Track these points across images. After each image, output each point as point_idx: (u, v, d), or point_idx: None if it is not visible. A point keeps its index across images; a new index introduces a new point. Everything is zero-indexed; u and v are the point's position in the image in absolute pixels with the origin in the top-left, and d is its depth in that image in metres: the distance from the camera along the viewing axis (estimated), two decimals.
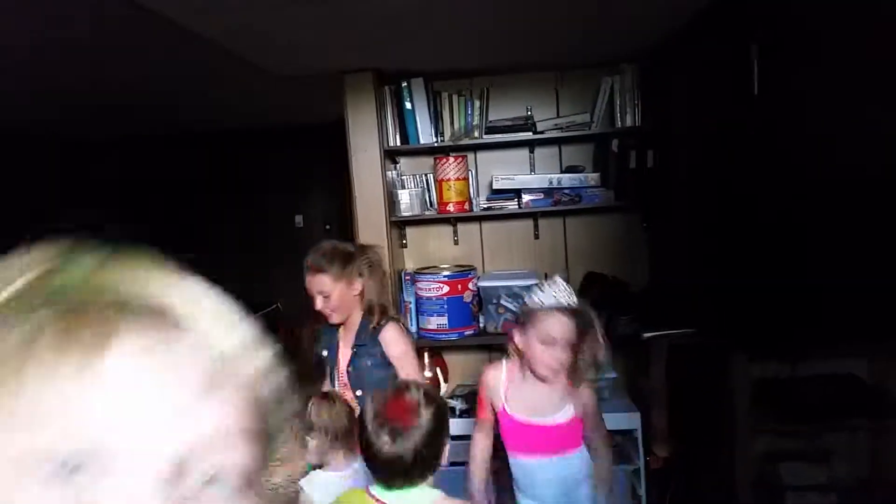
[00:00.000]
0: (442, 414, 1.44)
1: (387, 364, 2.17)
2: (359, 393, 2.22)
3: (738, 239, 2.81)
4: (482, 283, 3.15)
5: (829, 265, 2.49)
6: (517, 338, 1.85)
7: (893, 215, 2.47)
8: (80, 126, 5.19)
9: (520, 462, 1.87)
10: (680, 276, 2.99)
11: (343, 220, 6.40)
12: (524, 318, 1.82)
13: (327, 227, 6.27)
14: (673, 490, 2.79)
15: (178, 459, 0.34)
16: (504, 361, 1.91)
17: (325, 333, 2.38)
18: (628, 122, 3.12)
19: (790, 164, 2.83)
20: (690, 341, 2.70)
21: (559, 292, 1.78)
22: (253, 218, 6.35)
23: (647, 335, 2.79)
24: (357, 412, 1.94)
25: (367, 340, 2.20)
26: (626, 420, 2.93)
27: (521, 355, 1.85)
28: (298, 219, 6.36)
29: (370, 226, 3.17)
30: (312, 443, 1.90)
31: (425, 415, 1.38)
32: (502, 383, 1.88)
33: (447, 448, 1.46)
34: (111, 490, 0.31)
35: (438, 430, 1.40)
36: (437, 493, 1.40)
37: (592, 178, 3.18)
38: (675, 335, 2.72)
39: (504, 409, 1.86)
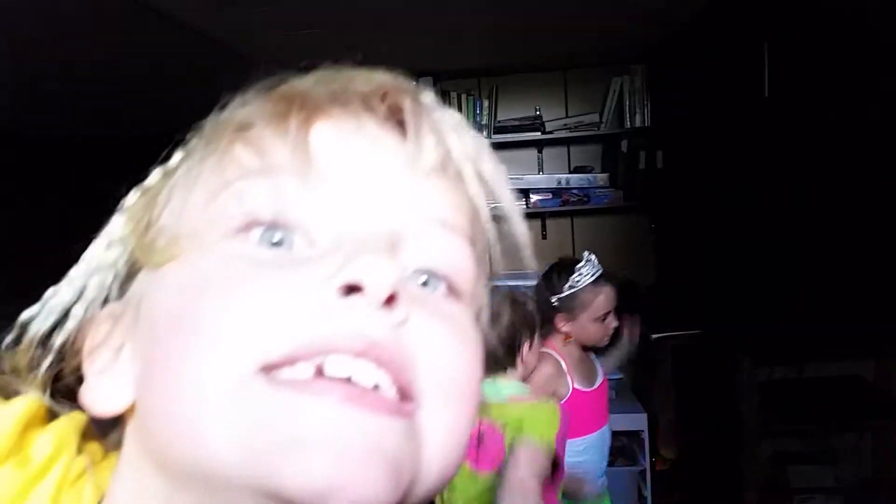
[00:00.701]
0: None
1: None
2: None
3: (745, 241, 2.81)
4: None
5: (836, 267, 2.48)
6: (565, 326, 1.82)
7: None
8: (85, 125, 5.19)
9: (594, 439, 1.90)
10: (687, 276, 2.99)
11: None
12: (569, 303, 1.81)
13: None
14: (679, 492, 2.80)
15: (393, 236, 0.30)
16: (550, 353, 1.84)
17: None
18: (637, 123, 3.12)
19: (800, 166, 2.82)
20: (697, 343, 2.70)
21: (594, 266, 1.82)
22: None
23: (654, 336, 2.79)
24: None
25: None
26: (632, 421, 2.93)
27: (566, 339, 1.85)
28: None
29: None
30: None
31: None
32: (564, 369, 1.84)
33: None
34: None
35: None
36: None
37: (601, 178, 3.19)
38: (682, 336, 2.72)
39: (574, 388, 1.84)
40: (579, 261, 1.84)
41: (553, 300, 1.83)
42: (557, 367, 1.82)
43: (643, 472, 2.89)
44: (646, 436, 2.89)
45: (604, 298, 1.79)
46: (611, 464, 2.97)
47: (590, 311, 1.77)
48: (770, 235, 2.76)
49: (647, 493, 2.88)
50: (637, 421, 2.91)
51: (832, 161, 2.80)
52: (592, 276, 1.80)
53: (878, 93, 2.73)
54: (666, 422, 2.75)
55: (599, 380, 1.91)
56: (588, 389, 1.86)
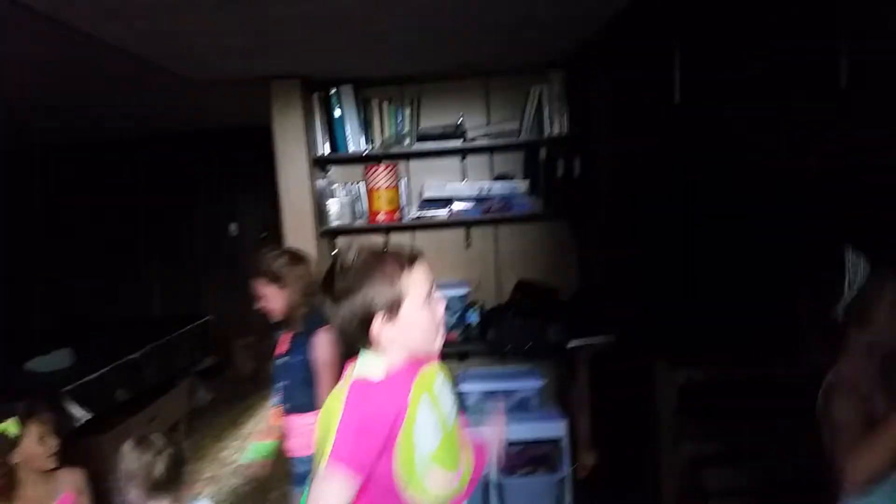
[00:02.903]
0: None
1: None
2: None
3: (657, 247, 2.85)
4: None
5: (748, 268, 2.54)
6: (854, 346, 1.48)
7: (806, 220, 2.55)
8: None
9: None
10: (605, 283, 3.02)
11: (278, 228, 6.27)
12: (853, 311, 1.47)
13: (263, 234, 6.12)
14: (599, 499, 2.80)
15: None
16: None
17: None
18: (556, 130, 3.15)
19: (710, 172, 2.89)
20: (613, 349, 2.72)
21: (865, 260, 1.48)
22: (183, 226, 6.15)
23: (571, 344, 2.80)
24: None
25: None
26: (553, 428, 2.93)
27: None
28: (233, 227, 6.20)
29: (299, 236, 3.10)
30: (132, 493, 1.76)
31: None
32: None
33: None
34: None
35: None
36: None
37: (522, 186, 3.19)
38: (599, 343, 2.74)
39: None
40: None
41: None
42: None
43: (563, 480, 2.89)
44: (566, 443, 2.89)
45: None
46: (532, 472, 2.96)
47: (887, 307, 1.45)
48: (682, 240, 2.82)
49: (569, 501, 2.88)
50: (557, 428, 2.91)
51: (742, 167, 2.88)
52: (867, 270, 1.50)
53: (778, 101, 2.84)
54: (585, 429, 2.75)
55: None
56: None
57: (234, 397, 5.37)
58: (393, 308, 1.15)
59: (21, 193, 5.99)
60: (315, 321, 2.21)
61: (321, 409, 1.24)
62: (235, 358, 5.79)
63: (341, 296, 1.15)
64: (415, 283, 1.18)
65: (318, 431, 1.20)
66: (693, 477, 2.72)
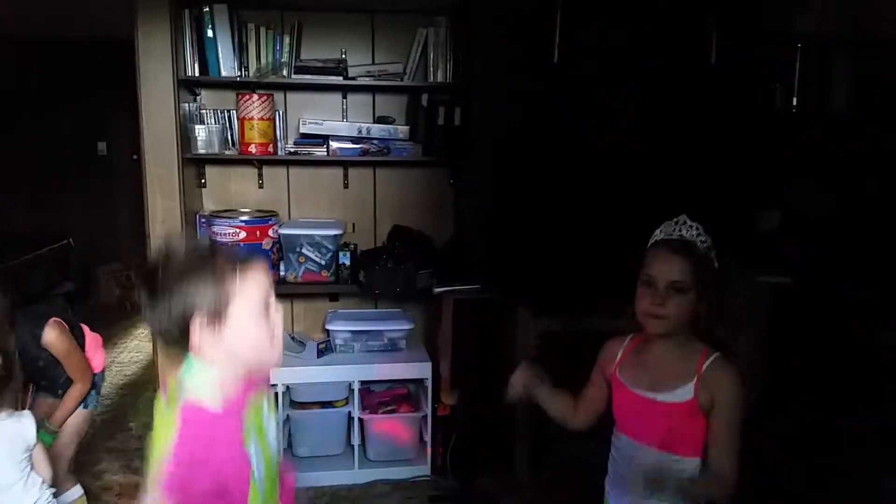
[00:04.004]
0: None
1: None
2: None
3: (533, 201, 2.94)
4: (283, 231, 3.04)
5: (614, 224, 2.68)
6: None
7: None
8: None
9: (622, 442, 1.52)
10: (475, 233, 3.09)
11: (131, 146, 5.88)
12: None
13: (134, 156, 5.73)
14: (456, 435, 2.95)
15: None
16: (630, 335, 1.54)
17: None
18: (440, 77, 3.12)
19: (581, 131, 2.99)
20: (478, 297, 2.81)
21: (668, 226, 1.46)
22: (45, 142, 5.62)
23: (437, 290, 2.86)
24: None
25: None
26: (418, 369, 3.02)
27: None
28: (101, 146, 5.76)
29: (161, 162, 2.93)
30: None
31: None
32: (622, 350, 1.53)
33: None
34: None
35: None
36: None
37: (402, 130, 3.16)
38: (463, 290, 2.82)
39: (615, 374, 1.52)
40: None
41: None
42: (616, 343, 1.64)
43: (425, 418, 3.01)
44: (429, 383, 2.99)
45: (653, 260, 1.43)
46: (395, 410, 3.06)
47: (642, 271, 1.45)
48: (554, 195, 2.92)
49: (428, 437, 3.01)
50: (422, 369, 3.01)
51: (611, 130, 3.00)
52: (661, 233, 1.48)
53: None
54: (445, 370, 2.86)
55: (665, 397, 1.44)
56: (634, 390, 1.49)
57: (95, 327, 5.09)
58: (217, 311, 1.04)
59: None
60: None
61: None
62: (99, 285, 5.47)
63: (159, 291, 1.02)
64: (247, 287, 1.07)
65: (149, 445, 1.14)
66: (543, 418, 2.92)
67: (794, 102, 3.16)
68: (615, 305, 1.55)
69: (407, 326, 3.13)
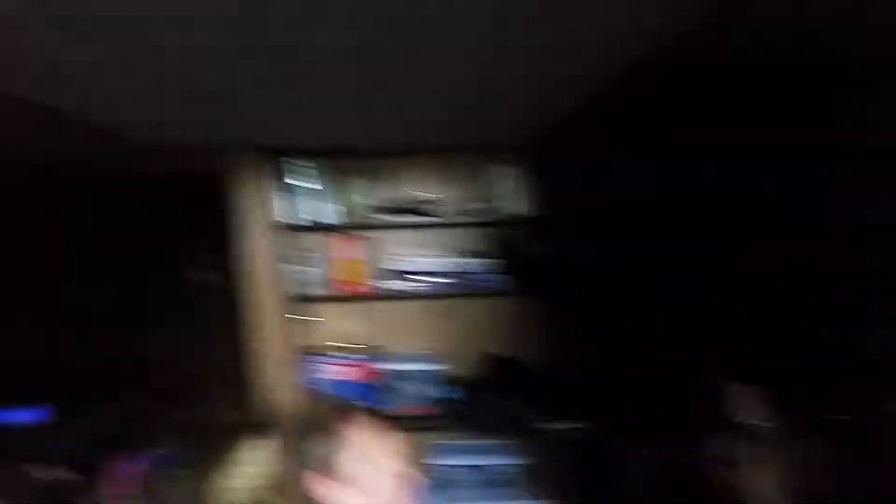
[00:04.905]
0: None
1: None
2: None
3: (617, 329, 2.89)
4: (385, 366, 3.11)
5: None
6: None
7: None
8: None
9: None
10: (574, 363, 3.05)
11: (226, 277, 6.15)
12: None
13: (214, 285, 6.00)
14: None
15: None
16: None
17: None
18: (524, 209, 3.17)
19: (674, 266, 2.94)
20: (585, 432, 2.75)
21: None
22: (131, 273, 5.98)
23: (543, 426, 2.82)
24: None
25: None
26: None
27: None
28: (192, 273, 6.06)
29: (262, 304, 3.08)
30: None
31: None
32: None
33: None
34: None
35: None
36: None
37: (489, 262, 3.21)
38: (572, 427, 2.77)
39: None
40: None
41: None
42: None
43: None
44: None
45: None
46: None
47: None
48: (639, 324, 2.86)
49: None
50: None
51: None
52: None
53: None
54: None
55: None
56: None
57: (199, 446, 5.23)
58: (329, 464, 1.05)
59: None
60: None
61: None
62: (197, 406, 5.65)
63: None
64: (355, 437, 1.08)
65: None
66: None
67: None
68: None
69: (513, 460, 3.07)
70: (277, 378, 3.13)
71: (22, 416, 4.01)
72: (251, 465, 3.56)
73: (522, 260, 3.11)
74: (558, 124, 2.79)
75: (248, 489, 3.17)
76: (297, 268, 3.20)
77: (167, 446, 4.53)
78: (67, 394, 4.45)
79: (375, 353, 3.17)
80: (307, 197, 3.17)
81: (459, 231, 3.35)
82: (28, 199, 5.27)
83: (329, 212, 3.19)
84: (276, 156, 3.14)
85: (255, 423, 3.38)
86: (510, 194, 3.18)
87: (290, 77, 2.11)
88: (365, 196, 3.22)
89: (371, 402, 3.09)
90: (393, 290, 3.20)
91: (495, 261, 3.20)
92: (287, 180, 3.18)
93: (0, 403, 4.11)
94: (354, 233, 3.21)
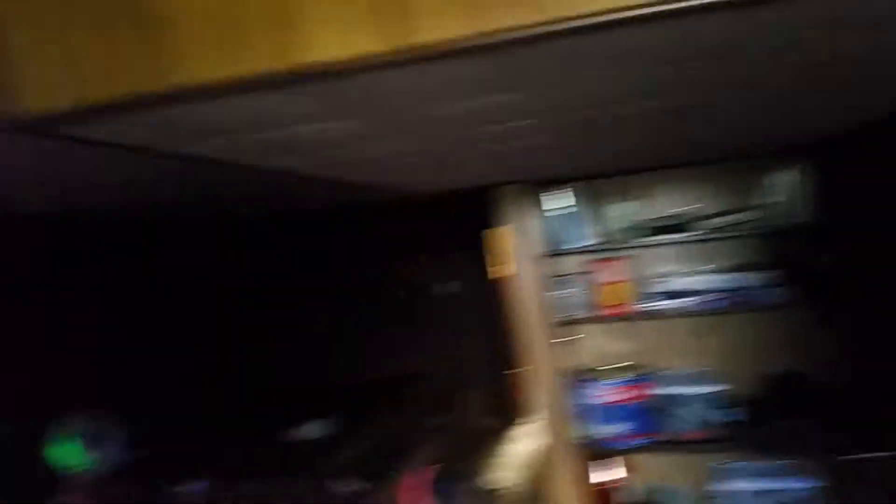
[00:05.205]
0: None
1: None
2: None
3: None
4: (660, 389, 3.10)
5: None
6: None
7: None
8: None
9: None
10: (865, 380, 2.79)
11: (481, 290, 6.49)
12: None
13: (458, 293, 6.36)
14: None
15: None
16: None
17: None
18: (802, 217, 2.98)
19: None
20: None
21: None
22: (389, 288, 6.55)
23: (848, 457, 2.61)
24: None
25: None
26: None
27: None
28: (445, 286, 6.52)
29: (530, 329, 3.24)
30: None
31: None
32: None
33: None
34: None
35: None
36: None
37: (762, 275, 3.06)
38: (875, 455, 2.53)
39: None
40: None
41: None
42: None
43: None
44: None
45: None
46: None
47: None
48: None
49: None
50: None
51: None
52: None
53: None
54: None
55: None
56: None
57: (459, 452, 5.60)
58: None
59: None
60: None
61: None
62: (456, 413, 6.05)
63: None
64: None
65: None
66: None
67: None
68: None
69: (806, 483, 2.88)
70: (546, 402, 3.26)
71: (313, 431, 4.53)
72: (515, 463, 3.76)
73: (804, 270, 2.92)
74: (849, 127, 2.59)
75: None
76: (561, 292, 3.32)
77: (440, 453, 4.91)
78: (350, 406, 5.03)
79: (646, 375, 3.17)
80: (567, 222, 3.29)
81: (724, 244, 3.25)
82: (307, 229, 6.10)
83: (589, 235, 3.27)
84: (536, 186, 3.30)
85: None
86: (788, 202, 3.01)
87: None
88: (624, 216, 3.26)
89: (643, 426, 3.09)
90: (658, 309, 3.19)
91: (769, 273, 3.05)
92: (546, 207, 3.32)
93: (291, 419, 4.69)
94: (615, 254, 3.26)
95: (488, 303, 6.45)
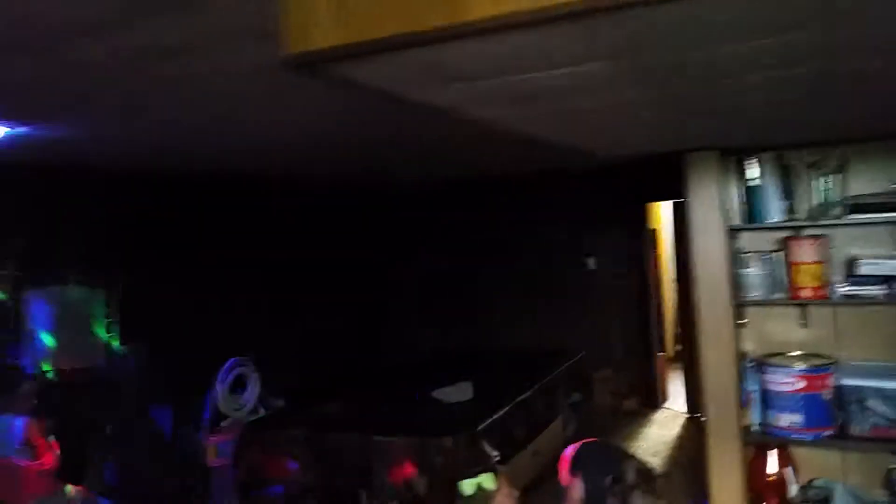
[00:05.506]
0: None
1: None
2: None
3: None
4: (845, 382, 2.87)
5: None
6: None
7: None
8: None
9: None
10: None
11: (639, 265, 6.34)
12: None
13: (619, 271, 6.25)
14: None
15: None
16: None
17: None
18: None
19: None
20: None
21: None
22: (538, 260, 6.54)
23: None
24: None
25: None
26: None
27: None
28: (591, 261, 6.43)
29: (712, 306, 3.10)
30: None
31: None
32: None
33: None
34: None
35: None
36: None
37: None
38: None
39: None
40: None
41: None
42: None
43: None
44: None
45: None
46: None
47: None
48: None
49: None
50: None
51: None
52: None
53: None
54: None
55: None
56: None
57: (595, 431, 5.57)
58: None
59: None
60: None
61: None
62: (594, 391, 6.01)
63: None
64: None
65: None
66: None
67: None
68: None
69: None
70: (717, 384, 3.11)
71: (456, 395, 4.63)
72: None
73: None
74: None
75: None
76: (746, 271, 3.14)
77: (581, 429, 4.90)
78: (493, 373, 5.11)
79: (827, 365, 2.94)
80: (758, 196, 3.09)
81: None
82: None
83: (784, 211, 3.06)
84: (730, 155, 3.12)
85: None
86: None
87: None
88: (826, 193, 3.00)
89: (818, 418, 2.88)
90: (850, 295, 2.93)
91: None
92: (740, 180, 3.14)
93: (435, 382, 4.79)
94: (812, 234, 3.02)
95: (642, 282, 6.33)
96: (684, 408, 5.99)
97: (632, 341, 6.36)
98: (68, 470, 3.10)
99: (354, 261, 6.43)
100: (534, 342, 6.24)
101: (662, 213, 6.96)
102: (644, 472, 1.92)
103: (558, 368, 4.95)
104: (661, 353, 6.58)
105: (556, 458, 4.67)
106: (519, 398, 4.41)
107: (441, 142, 3.69)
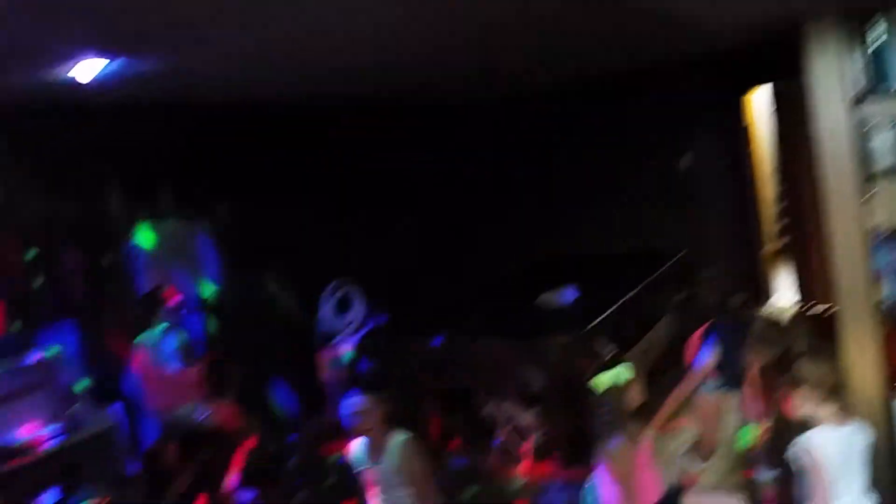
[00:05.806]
0: None
1: None
2: None
3: None
4: None
5: None
6: None
7: None
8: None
9: None
10: None
11: (735, 160, 6.01)
12: None
13: (717, 167, 5.94)
14: None
15: None
16: None
17: None
18: None
19: None
20: None
21: None
22: (634, 160, 6.29)
23: None
24: None
25: None
26: None
27: None
28: (687, 158, 6.14)
29: (838, 183, 2.91)
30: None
31: None
32: None
33: None
34: None
35: None
36: None
37: None
38: None
39: None
40: None
41: None
42: None
43: None
44: None
45: None
46: None
47: None
48: None
49: None
50: None
51: None
52: None
53: None
54: None
55: None
56: None
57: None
58: None
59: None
60: None
61: None
62: (699, 290, 5.86)
63: None
64: None
65: None
66: None
67: None
68: None
69: None
70: (847, 261, 2.94)
71: (562, 298, 4.64)
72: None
73: None
74: None
75: None
76: (871, 142, 2.91)
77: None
78: (599, 277, 5.07)
79: None
80: (886, 60, 2.83)
81: None
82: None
83: None
84: (858, 18, 2.85)
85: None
86: None
87: None
88: None
89: None
90: None
91: None
92: (862, 45, 2.87)
93: (543, 287, 4.82)
94: None
95: (741, 176, 6.02)
96: (791, 301, 5.82)
97: (733, 238, 6.13)
98: (214, 382, 3.36)
99: (441, 176, 6.45)
100: (633, 244, 6.09)
101: (755, 111, 6.55)
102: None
103: (660, 268, 4.84)
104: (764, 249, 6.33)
105: (663, 357, 4.64)
106: (623, 299, 4.37)
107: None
